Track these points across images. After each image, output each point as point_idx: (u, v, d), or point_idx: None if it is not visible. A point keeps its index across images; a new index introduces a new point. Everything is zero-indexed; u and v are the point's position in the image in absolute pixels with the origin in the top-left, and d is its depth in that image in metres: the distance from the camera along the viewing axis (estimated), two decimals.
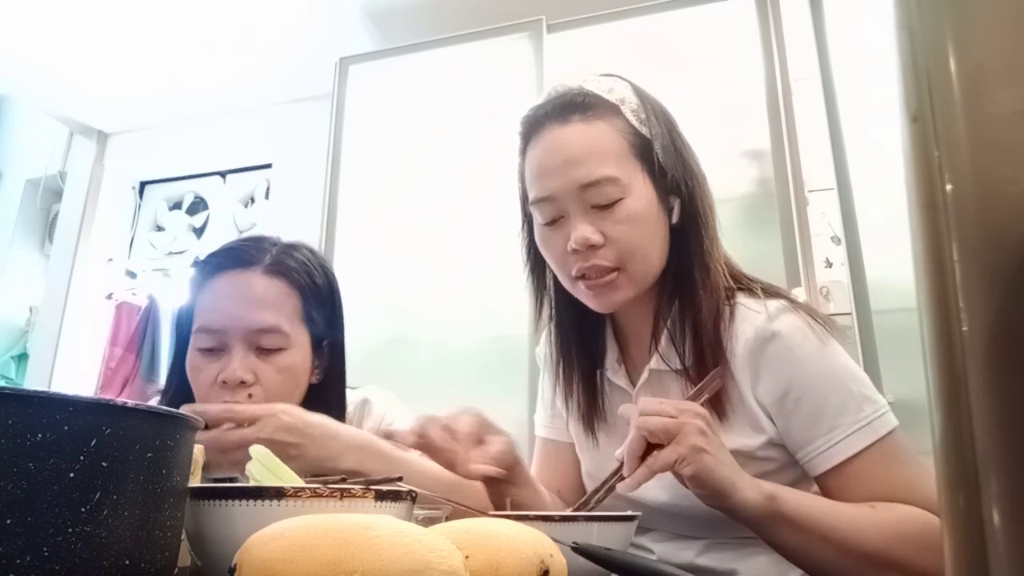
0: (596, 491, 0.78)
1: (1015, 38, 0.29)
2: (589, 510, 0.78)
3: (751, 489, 0.71)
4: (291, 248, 1.00)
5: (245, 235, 1.06)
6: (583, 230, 0.83)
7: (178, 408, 0.51)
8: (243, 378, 0.90)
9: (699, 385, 0.80)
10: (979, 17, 0.30)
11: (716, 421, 0.82)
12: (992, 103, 0.29)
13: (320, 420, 0.85)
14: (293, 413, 0.84)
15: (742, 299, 0.87)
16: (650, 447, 0.72)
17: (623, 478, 0.73)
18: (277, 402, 0.89)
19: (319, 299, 0.99)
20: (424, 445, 0.82)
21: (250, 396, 0.90)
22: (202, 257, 1.02)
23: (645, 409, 0.73)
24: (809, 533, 0.72)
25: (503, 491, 0.87)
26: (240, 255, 0.96)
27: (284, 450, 0.79)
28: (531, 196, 0.89)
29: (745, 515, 0.72)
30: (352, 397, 1.08)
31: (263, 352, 0.92)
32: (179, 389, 0.99)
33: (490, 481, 0.85)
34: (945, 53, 0.30)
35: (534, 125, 0.90)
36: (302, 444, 0.82)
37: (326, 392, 1.01)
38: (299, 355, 0.95)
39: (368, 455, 0.85)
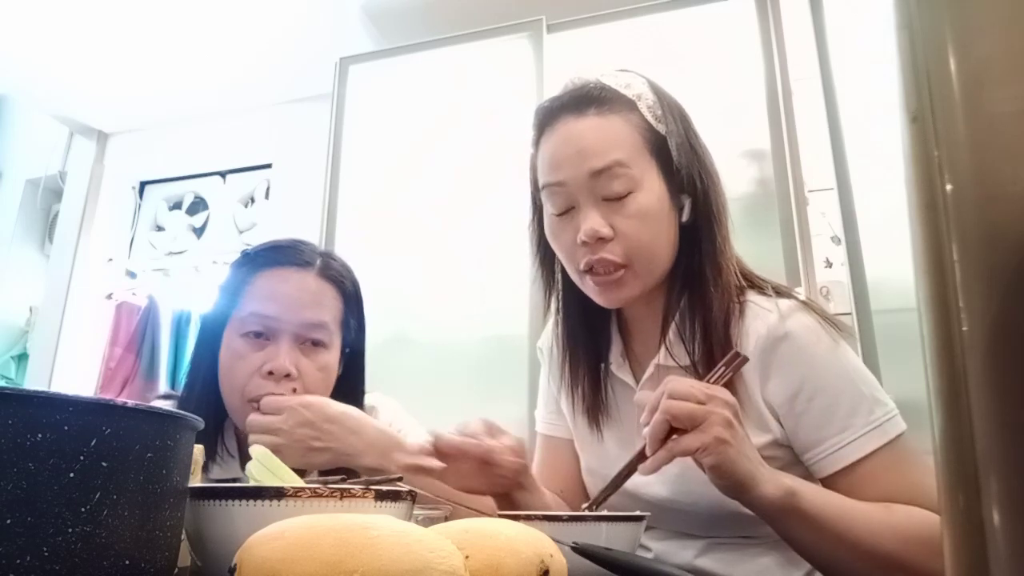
0: (619, 474, 0.78)
1: (1015, 38, 0.29)
2: (606, 497, 0.78)
3: (770, 484, 0.71)
4: (330, 256, 1.04)
5: (284, 238, 1.08)
6: (593, 222, 0.83)
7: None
8: (289, 370, 0.92)
9: (722, 362, 0.78)
10: (979, 17, 0.30)
11: None
12: (992, 103, 0.29)
13: (342, 414, 0.87)
14: (314, 408, 0.86)
15: (753, 296, 0.87)
16: (673, 430, 0.71)
17: (645, 458, 0.73)
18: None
19: (354, 308, 1.04)
20: (459, 445, 0.83)
21: (295, 390, 0.92)
22: (245, 252, 1.03)
23: (675, 391, 0.71)
24: (825, 531, 0.72)
25: (514, 499, 0.86)
26: (295, 255, 1.00)
27: (306, 442, 0.84)
28: (541, 182, 0.89)
29: (762, 509, 0.72)
30: None
31: (306, 349, 0.96)
32: (205, 393, 0.97)
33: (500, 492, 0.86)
34: (945, 53, 0.30)
35: (549, 116, 0.90)
36: (321, 438, 0.84)
37: (340, 397, 1.04)
38: (334, 357, 1.00)
39: (389, 456, 0.85)
